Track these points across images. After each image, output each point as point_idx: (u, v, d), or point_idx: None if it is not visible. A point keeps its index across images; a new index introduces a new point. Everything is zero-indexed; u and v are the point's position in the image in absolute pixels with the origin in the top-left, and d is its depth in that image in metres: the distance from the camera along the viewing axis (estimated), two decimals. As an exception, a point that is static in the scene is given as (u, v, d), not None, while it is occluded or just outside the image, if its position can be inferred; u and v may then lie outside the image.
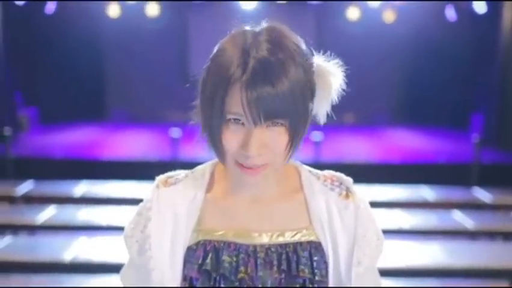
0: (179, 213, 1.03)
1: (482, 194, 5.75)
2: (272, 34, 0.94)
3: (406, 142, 8.69)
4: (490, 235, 4.78)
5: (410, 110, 10.41)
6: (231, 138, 0.93)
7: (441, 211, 5.23)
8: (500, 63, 8.28)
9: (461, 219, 4.93)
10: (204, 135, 1.01)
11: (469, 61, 9.15)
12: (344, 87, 1.01)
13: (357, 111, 10.58)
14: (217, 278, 0.98)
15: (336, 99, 1.01)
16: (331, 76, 0.99)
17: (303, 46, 0.97)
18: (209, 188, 1.06)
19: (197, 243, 1.01)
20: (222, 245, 1.00)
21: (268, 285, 0.99)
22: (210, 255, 1.00)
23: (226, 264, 0.99)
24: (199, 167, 1.10)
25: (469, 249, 4.31)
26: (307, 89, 0.94)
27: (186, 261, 1.02)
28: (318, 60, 0.98)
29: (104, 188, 5.91)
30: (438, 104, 9.78)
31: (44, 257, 3.95)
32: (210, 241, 1.01)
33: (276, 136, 0.92)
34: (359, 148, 7.87)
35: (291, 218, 1.04)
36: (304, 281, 1.00)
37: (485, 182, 6.15)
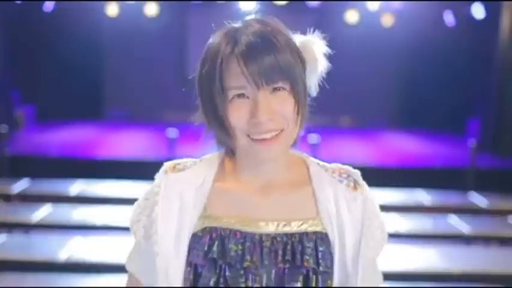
0: (186, 199, 1.03)
1: (478, 199, 5.75)
2: (257, 19, 1.02)
3: (403, 146, 8.69)
4: (486, 240, 4.78)
5: (407, 113, 10.43)
6: (237, 113, 0.97)
7: (438, 215, 5.23)
8: (498, 69, 8.30)
9: (457, 223, 4.93)
10: (210, 129, 1.04)
11: (466, 66, 9.17)
12: (327, 55, 1.06)
13: (354, 114, 10.59)
14: (223, 266, 0.99)
15: (324, 70, 1.05)
16: (313, 46, 1.04)
17: (283, 26, 1.03)
18: (217, 176, 1.07)
19: (203, 230, 1.01)
20: (228, 232, 1.00)
21: (273, 274, 0.99)
22: (216, 242, 0.99)
23: (233, 253, 0.99)
24: (207, 156, 1.10)
25: (465, 254, 4.31)
26: (298, 57, 1.00)
27: (191, 247, 1.01)
28: (298, 36, 1.05)
29: (100, 187, 5.89)
30: (436, 108, 9.79)
31: (38, 256, 3.94)
32: (216, 228, 1.01)
33: (281, 101, 0.97)
34: (356, 151, 7.87)
35: (299, 208, 1.04)
36: (308, 271, 1.00)
37: (481, 187, 6.16)
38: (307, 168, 1.09)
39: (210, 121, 1.02)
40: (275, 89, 0.96)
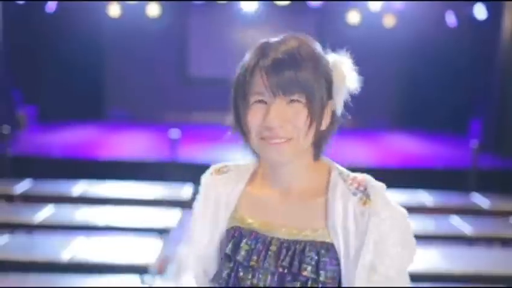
0: (220, 199, 1.18)
1: (480, 200, 5.75)
2: (293, 35, 1.10)
3: (405, 147, 8.69)
4: (488, 241, 4.77)
5: (409, 114, 10.42)
6: (254, 116, 1.06)
7: (440, 216, 5.22)
8: (500, 69, 8.29)
9: (459, 224, 4.92)
10: (235, 131, 1.12)
11: (468, 66, 9.16)
12: (357, 76, 1.12)
13: (356, 115, 10.54)
14: (236, 262, 1.10)
15: (354, 89, 1.12)
16: (343, 66, 1.11)
17: (318, 46, 1.12)
18: (250, 181, 1.18)
19: (231, 228, 1.15)
20: (247, 233, 1.12)
21: (275, 277, 1.07)
22: (233, 241, 1.12)
23: (243, 252, 1.10)
24: (245, 162, 1.21)
25: (467, 255, 4.30)
26: (322, 75, 1.07)
27: (222, 243, 1.16)
28: (332, 56, 1.13)
29: (102, 188, 5.89)
30: (437, 109, 9.78)
31: (41, 256, 3.94)
32: (239, 227, 1.13)
33: (295, 112, 1.04)
34: (358, 152, 7.87)
35: (310, 217, 1.10)
36: (307, 280, 1.04)
37: (483, 188, 6.14)
38: (329, 176, 1.13)
39: (234, 124, 1.12)
40: (292, 101, 1.04)
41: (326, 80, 1.08)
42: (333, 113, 1.12)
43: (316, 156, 1.12)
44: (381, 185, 1.10)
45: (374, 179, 1.12)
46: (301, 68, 1.03)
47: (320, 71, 1.06)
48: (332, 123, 1.12)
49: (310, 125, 1.05)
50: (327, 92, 1.08)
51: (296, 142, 1.05)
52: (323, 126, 1.09)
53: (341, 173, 1.12)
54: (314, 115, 1.05)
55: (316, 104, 1.05)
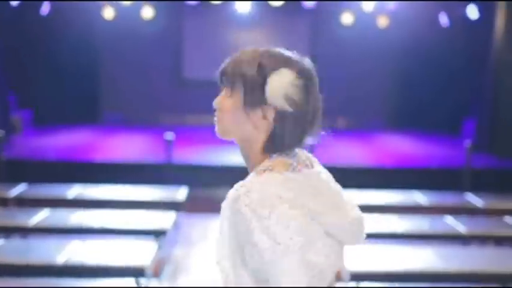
0: None
1: (474, 199, 5.77)
2: (259, 49, 1.27)
3: (399, 147, 8.72)
4: (482, 240, 4.80)
5: (403, 114, 10.46)
6: None
7: (434, 216, 5.25)
8: (492, 69, 8.34)
9: (453, 224, 4.95)
10: None
11: (461, 67, 9.21)
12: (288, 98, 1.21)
13: (350, 115, 10.62)
14: None
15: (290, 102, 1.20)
16: (279, 78, 1.20)
17: (272, 58, 1.23)
18: None
19: None
20: None
21: None
22: None
23: None
24: None
25: (461, 254, 4.33)
26: (255, 81, 1.22)
27: None
28: (283, 69, 1.21)
29: (97, 191, 5.89)
30: (431, 109, 9.83)
31: (36, 260, 3.94)
32: None
33: (222, 98, 1.28)
34: (352, 153, 7.89)
35: None
36: None
37: (477, 187, 6.18)
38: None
39: None
40: (225, 94, 1.27)
41: (261, 85, 1.21)
42: (277, 116, 1.20)
43: (265, 150, 1.23)
44: (249, 188, 1.15)
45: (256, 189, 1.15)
46: (231, 70, 1.25)
47: (251, 77, 1.22)
48: (276, 126, 1.20)
49: (226, 115, 1.25)
50: (260, 96, 1.20)
51: (221, 124, 1.27)
52: (255, 124, 1.22)
53: (255, 174, 1.19)
54: (242, 108, 1.23)
55: (242, 100, 1.23)
